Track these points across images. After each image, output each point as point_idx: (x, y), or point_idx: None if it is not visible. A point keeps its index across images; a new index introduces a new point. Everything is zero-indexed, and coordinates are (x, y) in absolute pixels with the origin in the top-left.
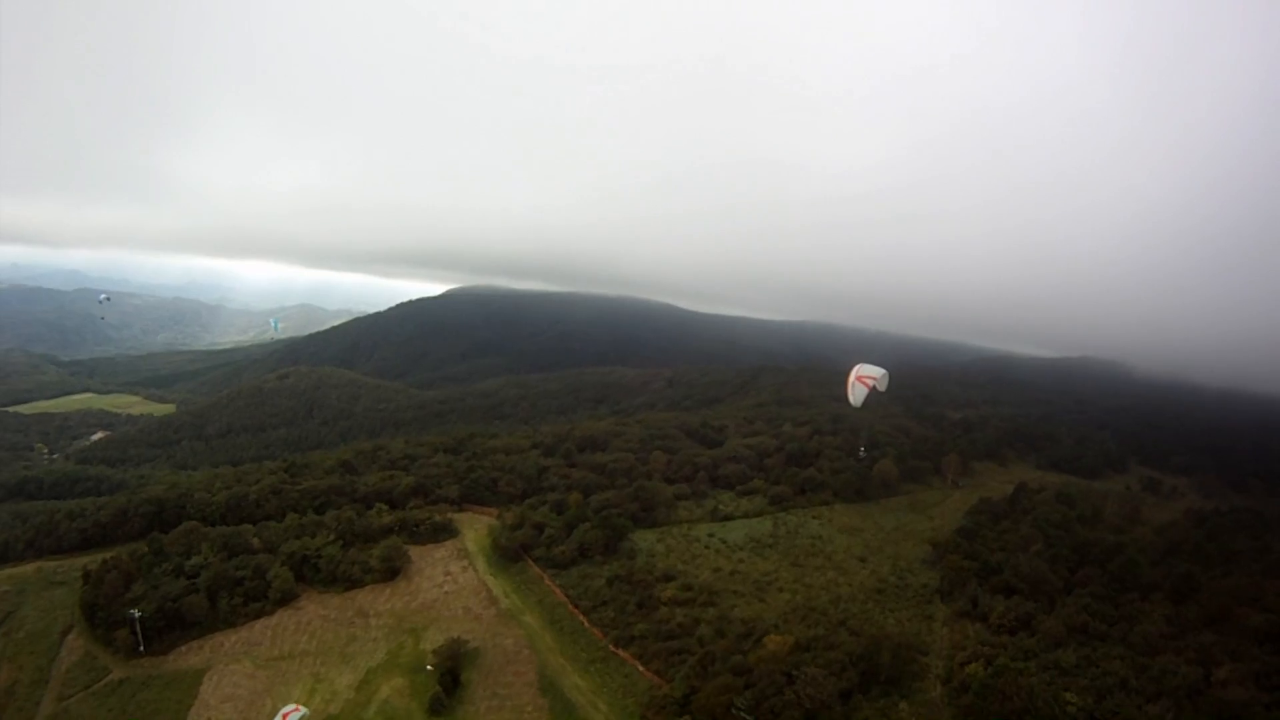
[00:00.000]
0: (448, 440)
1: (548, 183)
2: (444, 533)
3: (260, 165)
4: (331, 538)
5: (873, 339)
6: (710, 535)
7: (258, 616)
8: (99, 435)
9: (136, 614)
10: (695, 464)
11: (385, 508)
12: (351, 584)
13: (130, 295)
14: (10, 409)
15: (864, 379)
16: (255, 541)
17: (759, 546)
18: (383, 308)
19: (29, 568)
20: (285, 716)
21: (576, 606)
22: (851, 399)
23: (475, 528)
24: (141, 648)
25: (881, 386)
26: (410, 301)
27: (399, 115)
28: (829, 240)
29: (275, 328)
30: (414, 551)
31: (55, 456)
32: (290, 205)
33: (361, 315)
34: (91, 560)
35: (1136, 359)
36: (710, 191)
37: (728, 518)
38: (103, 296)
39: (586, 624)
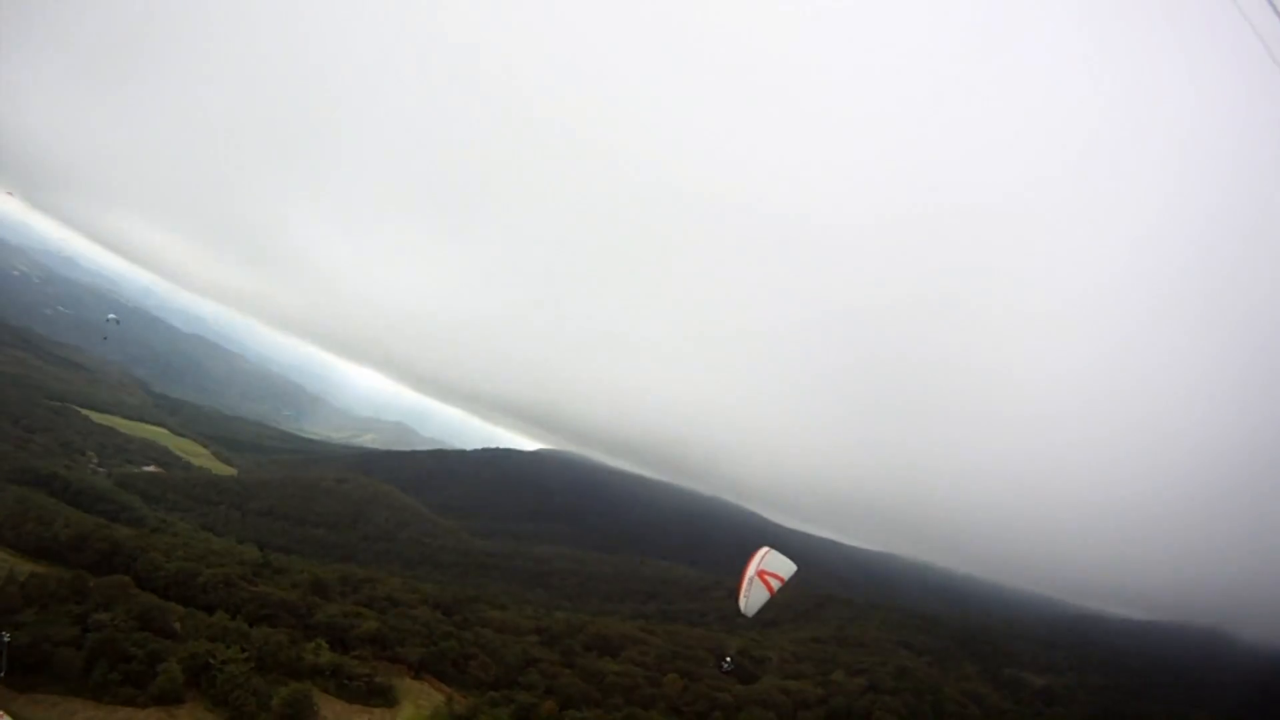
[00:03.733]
0: (445, 596)
1: (662, 364)
2: (379, 698)
3: (390, 274)
4: (244, 655)
5: (959, 583)
6: None
7: (126, 703)
8: (151, 468)
9: (6, 638)
10: (714, 700)
11: (324, 645)
12: (239, 715)
13: (242, 357)
14: (83, 410)
15: (767, 576)
16: (178, 626)
17: None
18: (470, 448)
19: None
20: None
21: None
22: (743, 603)
23: (420, 704)
24: (2, 673)
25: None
26: (498, 450)
27: (548, 258)
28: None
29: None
30: (329, 708)
31: (100, 470)
32: (409, 321)
33: (449, 449)
34: (35, 569)
35: (1238, 624)
36: (853, 393)
37: None
38: (111, 317)
39: None
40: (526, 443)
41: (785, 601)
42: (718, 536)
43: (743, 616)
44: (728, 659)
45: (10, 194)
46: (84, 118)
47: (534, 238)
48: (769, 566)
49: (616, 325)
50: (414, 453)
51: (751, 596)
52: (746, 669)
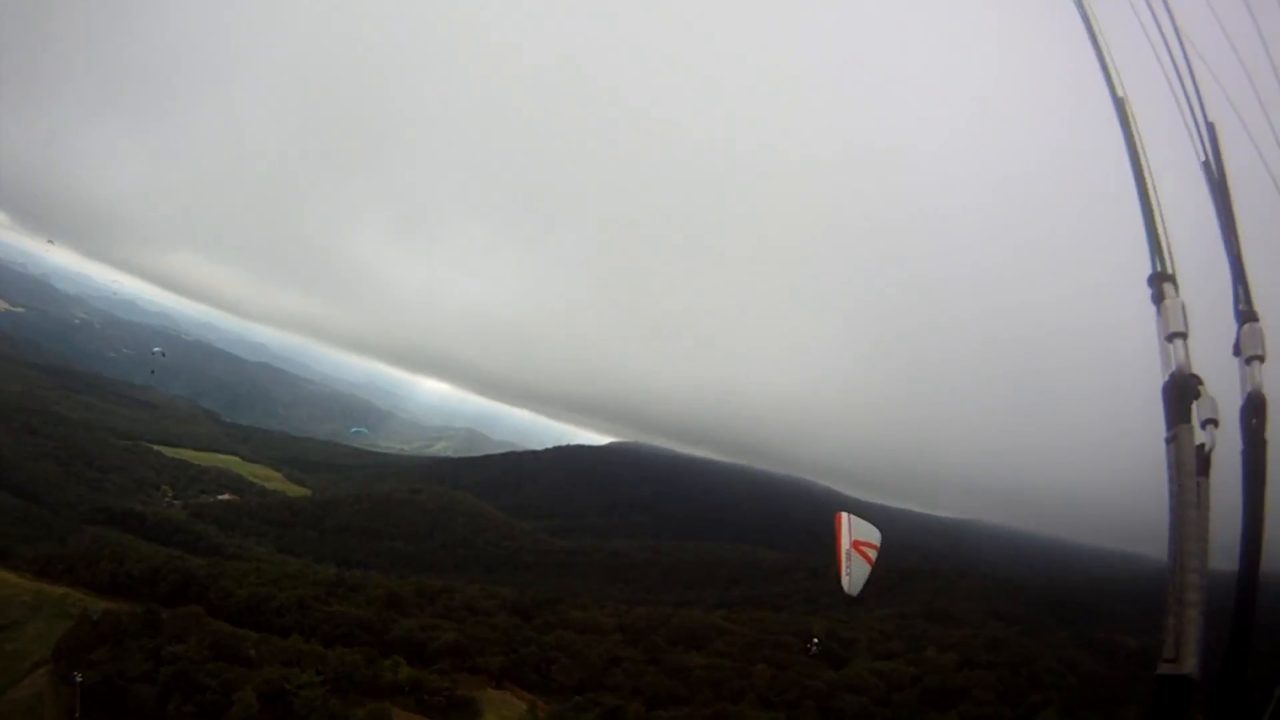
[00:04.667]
0: (524, 600)
1: (728, 347)
2: (460, 711)
3: (452, 281)
4: (319, 679)
5: (1043, 545)
6: None
7: None
8: (225, 496)
9: (78, 678)
10: (805, 687)
11: (402, 661)
12: None
13: (307, 380)
14: (156, 446)
15: (863, 546)
16: (252, 652)
17: None
18: (541, 447)
19: (58, 590)
20: None
21: None
22: (846, 582)
23: (503, 714)
24: (78, 714)
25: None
26: (569, 446)
27: (608, 247)
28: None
29: (354, 433)
30: None
31: (175, 503)
32: (473, 327)
33: (521, 450)
34: (110, 606)
35: None
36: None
37: None
38: (156, 350)
39: None
40: (597, 438)
41: (869, 578)
42: (796, 515)
43: (845, 596)
44: (814, 640)
45: (51, 242)
46: (127, 161)
47: (590, 234)
48: (861, 535)
49: (678, 312)
50: (486, 457)
51: (854, 572)
52: (835, 652)
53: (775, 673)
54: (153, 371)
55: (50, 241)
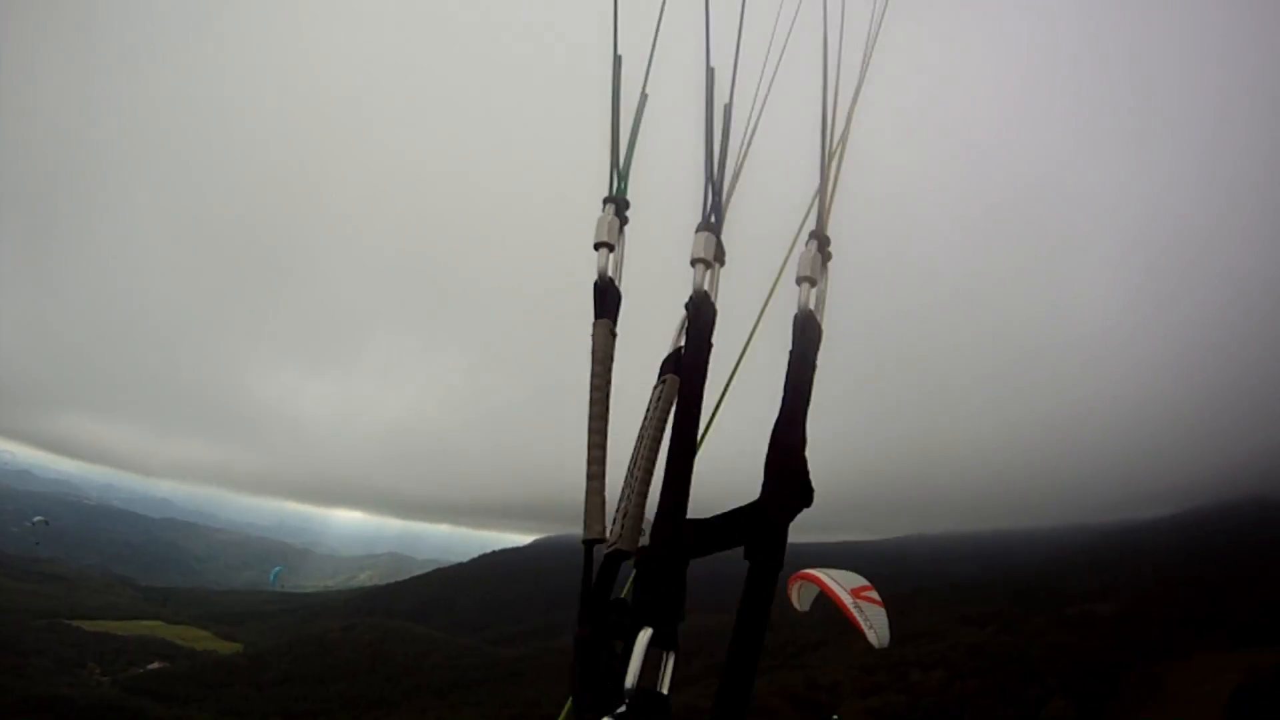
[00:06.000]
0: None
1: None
2: None
3: (357, 409)
4: None
5: (988, 540)
6: None
7: None
8: (155, 665)
9: None
10: None
11: None
12: None
13: (218, 530)
14: (74, 621)
15: (864, 593)
16: None
17: None
18: (466, 559)
19: None
20: None
21: None
22: (873, 636)
23: None
24: None
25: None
26: (495, 552)
27: (512, 342)
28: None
29: (273, 581)
30: None
31: (105, 679)
32: (384, 450)
33: (447, 565)
34: None
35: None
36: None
37: None
38: (37, 519)
39: None
40: (521, 538)
41: (822, 618)
42: (731, 572)
43: (870, 647)
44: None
45: None
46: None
47: (499, 340)
48: (851, 583)
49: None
50: (413, 579)
51: (873, 621)
52: (817, 702)
53: None
54: (37, 543)
55: None
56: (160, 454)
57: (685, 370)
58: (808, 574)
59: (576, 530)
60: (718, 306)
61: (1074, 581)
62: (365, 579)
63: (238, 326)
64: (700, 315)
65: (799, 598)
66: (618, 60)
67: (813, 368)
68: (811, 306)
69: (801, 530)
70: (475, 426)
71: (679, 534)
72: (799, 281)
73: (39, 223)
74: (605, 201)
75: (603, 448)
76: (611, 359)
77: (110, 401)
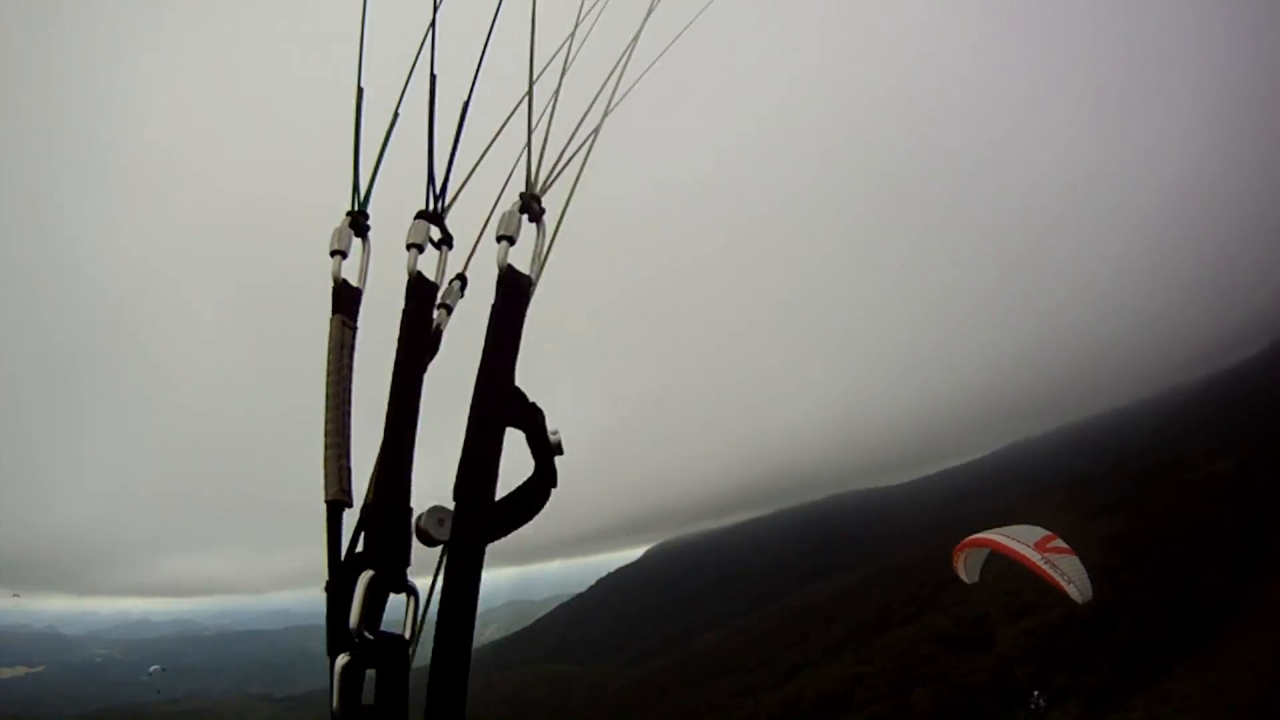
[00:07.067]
0: None
1: (757, 405)
2: None
3: (448, 471)
4: None
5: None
6: None
7: None
8: None
9: None
10: (968, 685)
11: None
12: None
13: None
14: None
15: (1049, 544)
16: None
17: None
18: (585, 587)
19: None
20: None
21: None
22: (1074, 591)
23: None
24: None
25: None
26: (613, 573)
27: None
28: None
29: (148, 676)
30: None
31: None
32: None
33: (568, 598)
34: None
35: None
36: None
37: None
38: (153, 668)
39: None
40: (634, 552)
41: (938, 558)
42: (850, 529)
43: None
44: (1036, 694)
45: (17, 595)
46: (77, 490)
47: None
48: (1033, 538)
49: (695, 386)
50: (538, 621)
51: (1070, 573)
52: (970, 637)
53: (936, 687)
54: (158, 691)
55: (16, 595)
56: (267, 569)
57: (401, 344)
58: (977, 539)
59: (683, 533)
60: (443, 284)
61: (1184, 447)
62: (492, 633)
63: (310, 424)
64: (414, 294)
65: (965, 568)
66: (360, 92)
67: (517, 321)
68: (516, 264)
69: (892, 471)
70: (571, 455)
71: (403, 486)
72: (499, 239)
73: (99, 361)
74: (346, 214)
75: (340, 420)
76: (347, 347)
77: (208, 533)
